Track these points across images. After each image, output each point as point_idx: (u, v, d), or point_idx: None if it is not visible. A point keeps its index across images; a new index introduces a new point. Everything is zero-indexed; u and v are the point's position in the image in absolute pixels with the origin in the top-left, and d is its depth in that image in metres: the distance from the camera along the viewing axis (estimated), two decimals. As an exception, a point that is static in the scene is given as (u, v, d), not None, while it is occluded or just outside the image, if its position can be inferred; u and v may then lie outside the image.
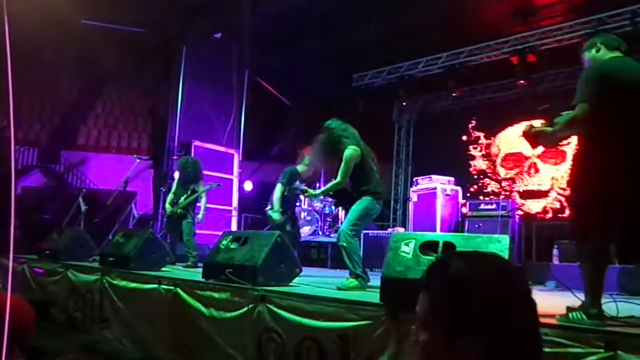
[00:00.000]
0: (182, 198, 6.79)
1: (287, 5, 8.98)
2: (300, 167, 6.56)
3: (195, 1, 9.83)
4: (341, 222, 9.28)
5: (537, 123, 3.09)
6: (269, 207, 6.42)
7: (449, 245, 3.04)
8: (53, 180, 15.72)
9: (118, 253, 5.29)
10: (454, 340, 1.01)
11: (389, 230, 9.40)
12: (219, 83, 10.80)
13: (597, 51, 2.94)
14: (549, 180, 9.97)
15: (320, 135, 4.78)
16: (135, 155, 7.78)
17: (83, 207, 7.95)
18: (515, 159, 10.60)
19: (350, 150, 4.53)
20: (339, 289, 4.11)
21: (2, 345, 1.51)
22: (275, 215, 6.27)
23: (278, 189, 6.32)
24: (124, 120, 18.42)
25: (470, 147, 11.23)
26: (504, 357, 0.99)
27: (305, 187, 5.43)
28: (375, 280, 3.90)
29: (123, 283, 4.83)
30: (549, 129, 2.79)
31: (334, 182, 4.66)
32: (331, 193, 4.92)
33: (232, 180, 10.86)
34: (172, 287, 4.26)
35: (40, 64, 14.11)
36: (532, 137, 2.87)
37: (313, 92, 13.18)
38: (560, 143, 2.98)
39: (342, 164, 4.55)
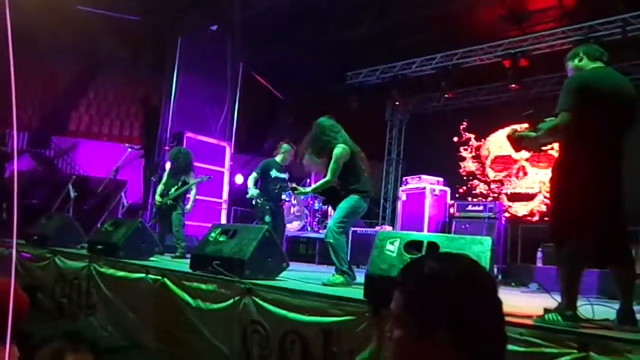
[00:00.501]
0: (173, 189, 6.81)
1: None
2: (278, 158, 6.73)
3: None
4: (330, 219, 9.37)
5: (523, 127, 3.17)
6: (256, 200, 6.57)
7: (433, 245, 3.11)
8: (43, 165, 15.64)
9: (107, 241, 5.32)
10: (426, 336, 1.08)
11: (377, 228, 9.49)
12: (212, 75, 10.80)
13: (580, 61, 3.02)
14: (537, 183, 10.10)
15: (310, 132, 4.84)
16: (127, 144, 7.77)
17: (72, 194, 7.95)
18: (504, 162, 10.72)
19: (339, 149, 4.59)
20: (324, 284, 4.18)
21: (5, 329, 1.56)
22: (252, 192, 6.51)
23: (251, 178, 6.62)
24: (116, 108, 18.34)
25: (461, 149, 11.34)
26: (471, 350, 1.06)
27: (295, 185, 5.49)
28: (361, 277, 3.96)
29: (111, 271, 4.86)
30: (532, 134, 2.86)
31: (323, 180, 4.72)
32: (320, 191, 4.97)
33: (223, 172, 10.88)
34: (159, 277, 4.30)
35: (34, 49, 14.01)
36: (515, 141, 2.95)
37: (306, 87, 13.21)
38: (545, 148, 3.06)
39: (332, 162, 4.61)
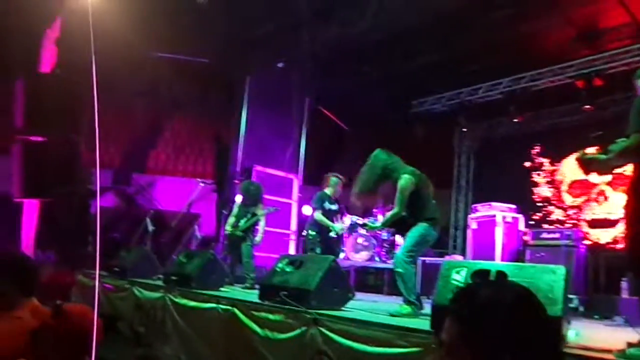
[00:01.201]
0: (243, 221, 7.01)
1: (345, 32, 9.19)
2: (328, 190, 7.03)
3: (258, 32, 10.24)
4: (398, 249, 9.25)
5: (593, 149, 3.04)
6: (307, 232, 6.78)
7: (501, 275, 3.01)
8: (124, 201, 16.55)
9: (180, 272, 5.54)
10: None
11: (447, 257, 9.25)
12: (279, 109, 11.14)
13: (648, 78, 2.88)
14: (620, 208, 9.49)
15: (365, 166, 4.84)
16: (199, 179, 8.12)
17: (150, 228, 8.35)
18: (582, 186, 10.19)
19: (404, 179, 4.56)
20: (391, 315, 4.12)
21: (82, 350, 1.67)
22: (337, 226, 6.80)
23: (316, 214, 6.82)
24: (190, 145, 19.19)
25: (534, 174, 10.91)
26: None
27: (366, 221, 5.54)
28: (429, 307, 3.88)
29: (184, 301, 5.04)
30: (602, 156, 2.74)
31: (391, 212, 4.69)
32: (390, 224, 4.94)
33: (291, 204, 11.07)
34: (229, 307, 4.42)
35: (115, 93, 15.06)
36: (584, 163, 2.83)
37: (371, 117, 13.29)
38: (618, 170, 2.92)
39: (398, 193, 4.58)
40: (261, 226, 7.15)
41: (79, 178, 8.16)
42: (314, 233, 6.78)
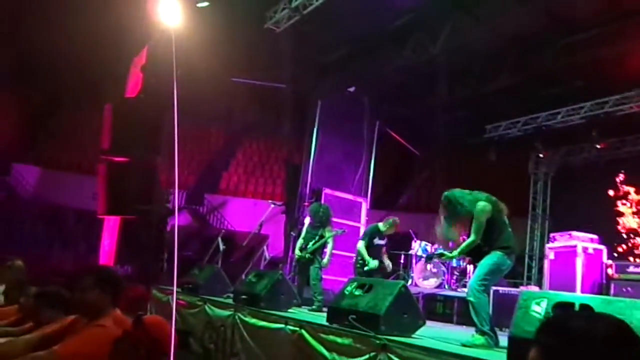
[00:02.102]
0: (311, 243, 7.05)
1: (418, 57, 9.18)
2: (382, 226, 7.22)
3: (329, 58, 10.44)
4: (469, 277, 8.95)
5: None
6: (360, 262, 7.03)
7: (586, 308, 2.83)
8: (197, 221, 17.17)
9: (250, 291, 5.62)
10: None
11: (522, 288, 8.83)
12: (350, 133, 11.21)
13: None
14: None
15: (441, 208, 4.74)
16: (270, 201, 8.29)
17: (221, 247, 8.59)
18: (673, 218, 9.48)
19: (480, 206, 4.45)
20: (463, 345, 3.97)
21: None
22: (372, 264, 6.96)
23: (360, 244, 7.13)
24: (261, 167, 19.71)
25: (618, 203, 10.26)
26: None
27: (442, 251, 5.43)
28: (504, 340, 3.71)
29: (253, 320, 5.10)
30: None
31: (468, 240, 4.56)
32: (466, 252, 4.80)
33: (359, 228, 11.02)
34: (297, 328, 4.42)
35: (193, 117, 15.80)
36: None
37: (442, 142, 13.09)
38: None
39: (474, 220, 4.47)
40: (329, 249, 7.16)
41: (157, 197, 8.57)
42: (362, 262, 7.08)
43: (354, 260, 7.38)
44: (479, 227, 4.44)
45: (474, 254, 4.71)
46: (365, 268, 6.98)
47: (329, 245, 7.14)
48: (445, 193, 4.74)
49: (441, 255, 5.09)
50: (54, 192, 15.83)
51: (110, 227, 9.41)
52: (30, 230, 14.47)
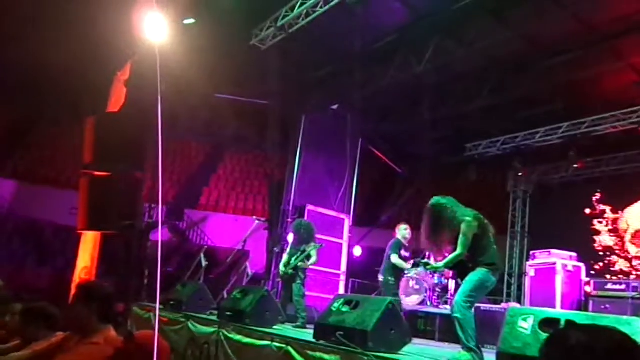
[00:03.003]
0: (293, 259, 7.04)
1: (401, 76, 9.33)
2: (401, 237, 7.22)
3: (314, 76, 10.54)
4: (451, 294, 9.01)
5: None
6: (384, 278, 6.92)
7: (571, 324, 2.89)
8: (177, 236, 16.98)
9: (235, 308, 5.58)
10: None
11: (503, 305, 8.91)
12: (333, 150, 11.28)
13: None
14: (690, 261, 8.98)
15: (427, 216, 4.77)
16: (254, 217, 8.27)
17: (204, 263, 8.52)
18: (648, 236, 9.73)
19: (467, 222, 4.48)
20: (450, 361, 4.01)
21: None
22: (412, 271, 7.35)
23: (394, 258, 7.02)
24: (242, 183, 19.64)
25: (595, 222, 10.50)
26: None
27: (427, 261, 5.46)
28: (489, 356, 3.75)
29: (238, 337, 5.06)
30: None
31: (454, 254, 4.54)
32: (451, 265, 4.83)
33: (341, 244, 11.04)
34: (284, 345, 4.40)
35: (174, 131, 15.72)
36: None
37: (424, 160, 13.25)
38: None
39: (461, 235, 4.49)
40: (312, 261, 7.14)
41: (139, 213, 8.48)
42: (392, 280, 7.04)
43: (381, 280, 7.23)
44: (466, 241, 4.47)
45: (459, 270, 4.74)
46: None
47: (312, 259, 7.12)
48: (435, 200, 4.77)
49: (427, 264, 5.11)
50: (30, 206, 15.52)
51: (87, 243, 9.24)
52: (6, 245, 14.14)
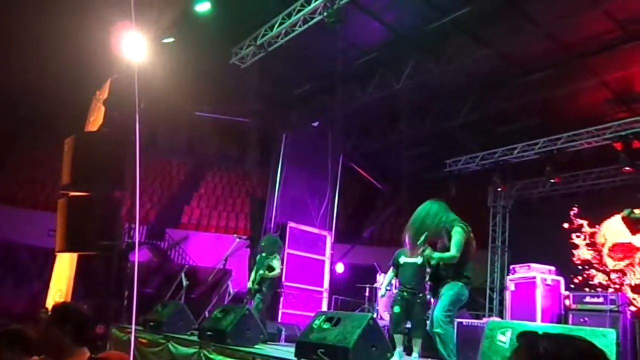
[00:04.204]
0: (256, 273, 7.08)
1: (381, 93, 9.44)
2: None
3: (294, 93, 10.61)
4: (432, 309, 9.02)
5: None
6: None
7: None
8: (158, 256, 16.76)
9: (216, 327, 5.52)
10: None
11: (485, 320, 8.95)
12: (314, 167, 11.32)
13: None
14: (665, 273, 9.14)
15: (420, 214, 4.79)
16: (235, 235, 8.22)
17: (184, 283, 8.41)
18: (624, 250, 9.86)
19: (461, 229, 4.52)
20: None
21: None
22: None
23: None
24: (224, 201, 19.53)
25: (573, 236, 10.64)
26: None
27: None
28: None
29: (219, 357, 4.99)
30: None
31: (449, 254, 4.48)
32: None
33: (323, 261, 11.02)
34: (265, 365, 4.36)
35: (155, 150, 15.63)
36: (631, 222, 2.80)
37: (404, 176, 13.36)
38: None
39: (457, 240, 4.46)
40: (275, 272, 7.09)
41: (118, 233, 8.36)
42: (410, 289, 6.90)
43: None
44: (460, 247, 4.43)
45: (435, 283, 4.74)
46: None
47: (275, 271, 7.06)
48: (429, 202, 4.81)
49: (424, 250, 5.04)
50: (7, 228, 15.21)
51: (61, 265, 9.08)
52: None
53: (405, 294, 5.46)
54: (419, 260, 5.74)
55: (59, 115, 12.84)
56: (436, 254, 4.65)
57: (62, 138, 8.55)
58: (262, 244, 7.35)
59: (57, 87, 12.92)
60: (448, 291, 4.46)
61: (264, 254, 7.22)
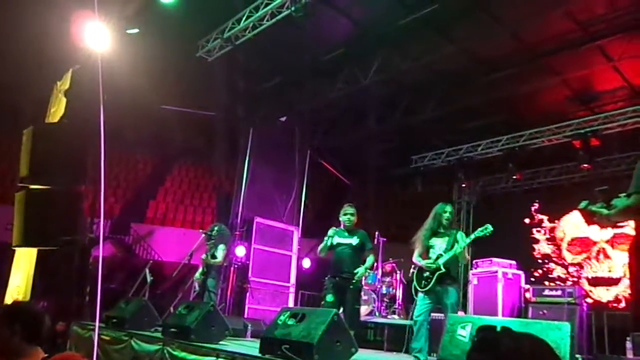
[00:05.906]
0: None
1: (348, 89, 9.46)
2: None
3: (262, 87, 10.54)
4: (399, 304, 9.14)
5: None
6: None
7: (506, 330, 2.99)
8: (122, 251, 16.45)
9: (180, 324, 5.45)
10: None
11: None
12: (281, 162, 11.29)
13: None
14: (620, 267, 9.48)
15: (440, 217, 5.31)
16: (201, 230, 8.12)
17: (149, 278, 8.27)
18: (582, 244, 10.20)
19: (462, 235, 4.96)
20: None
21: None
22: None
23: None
24: (190, 195, 19.29)
25: (534, 230, 10.94)
26: None
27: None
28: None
29: (182, 354, 4.93)
30: (605, 211, 2.79)
31: (454, 251, 5.16)
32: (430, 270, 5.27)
33: (290, 256, 11.01)
34: (229, 361, 4.32)
35: (120, 143, 15.29)
36: (587, 214, 2.89)
37: (372, 172, 13.45)
38: (622, 224, 2.97)
39: (463, 242, 5.16)
40: (218, 259, 7.22)
41: (80, 227, 8.15)
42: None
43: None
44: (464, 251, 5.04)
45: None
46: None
47: (218, 258, 7.21)
48: (443, 205, 5.35)
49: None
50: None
51: (20, 261, 8.81)
52: None
53: (337, 279, 5.34)
54: (354, 241, 5.64)
55: (18, 106, 12.42)
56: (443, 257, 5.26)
57: (21, 130, 8.27)
58: (212, 233, 7.34)
59: (17, 79, 12.49)
60: (452, 300, 5.11)
61: (212, 242, 7.30)
